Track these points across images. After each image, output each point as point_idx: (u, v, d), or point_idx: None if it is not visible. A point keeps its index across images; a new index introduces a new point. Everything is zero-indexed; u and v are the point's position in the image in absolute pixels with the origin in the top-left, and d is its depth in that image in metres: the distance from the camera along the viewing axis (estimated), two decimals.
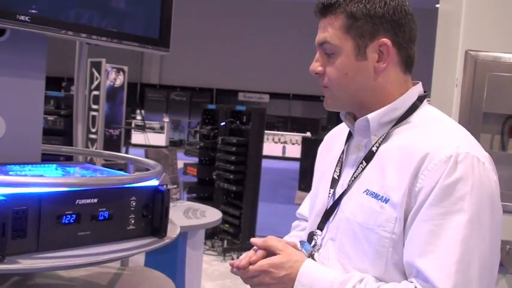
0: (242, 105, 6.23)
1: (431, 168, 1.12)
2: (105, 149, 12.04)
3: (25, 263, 1.08)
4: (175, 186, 3.11)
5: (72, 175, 1.38)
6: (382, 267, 1.16)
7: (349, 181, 1.26)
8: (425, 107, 1.27)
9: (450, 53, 2.91)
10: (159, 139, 17.71)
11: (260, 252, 1.23)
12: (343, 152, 1.34)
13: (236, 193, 5.79)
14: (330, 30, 1.23)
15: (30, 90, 1.56)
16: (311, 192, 1.49)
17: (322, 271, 1.20)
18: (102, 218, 1.25)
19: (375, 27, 1.22)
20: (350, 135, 1.35)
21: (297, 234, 1.51)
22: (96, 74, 12.10)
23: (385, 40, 1.22)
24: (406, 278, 1.15)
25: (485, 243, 1.11)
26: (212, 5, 19.53)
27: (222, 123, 5.86)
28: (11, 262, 1.07)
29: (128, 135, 13.76)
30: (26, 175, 1.29)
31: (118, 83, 12.66)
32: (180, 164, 6.59)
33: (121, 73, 12.70)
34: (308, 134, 14.72)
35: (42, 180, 1.12)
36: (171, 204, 3.10)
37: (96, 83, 12.13)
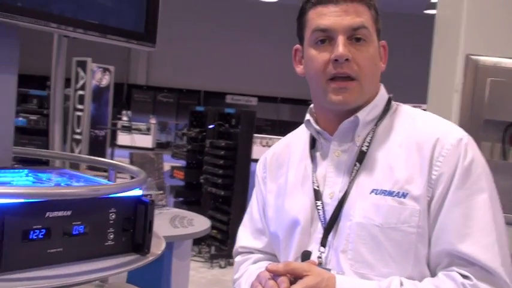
0: (231, 108, 6.08)
1: (446, 153, 1.12)
2: (90, 150, 11.87)
3: None
4: (161, 192, 2.95)
5: (45, 183, 1.22)
6: (410, 266, 1.11)
7: (346, 187, 1.18)
8: (395, 103, 1.28)
9: (449, 58, 2.80)
10: (145, 140, 17.49)
11: (285, 278, 1.08)
12: (312, 162, 1.27)
13: (224, 198, 5.64)
14: (364, 17, 1.16)
15: (0, 86, 1.40)
16: (263, 215, 1.37)
17: (358, 283, 1.10)
18: (77, 232, 1.09)
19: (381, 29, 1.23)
20: (313, 145, 1.29)
21: (259, 267, 1.32)
22: (81, 73, 11.92)
23: (385, 42, 1.25)
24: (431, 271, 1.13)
25: (501, 215, 1.14)
26: (202, 6, 19.38)
27: (211, 126, 5.72)
28: None
29: (114, 136, 13.55)
30: None
31: (104, 83, 12.47)
32: (167, 167, 6.44)
33: (107, 73, 12.51)
34: None
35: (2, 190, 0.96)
36: (157, 211, 2.97)
37: (81, 82, 11.95)
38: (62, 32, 1.49)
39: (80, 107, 11.80)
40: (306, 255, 1.19)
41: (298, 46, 1.28)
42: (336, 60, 1.14)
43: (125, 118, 15.74)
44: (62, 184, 1.22)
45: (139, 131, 17.52)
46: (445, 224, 1.10)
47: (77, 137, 11.77)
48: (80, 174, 1.40)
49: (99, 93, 12.27)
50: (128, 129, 14.58)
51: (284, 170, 1.33)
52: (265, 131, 18.77)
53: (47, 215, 1.04)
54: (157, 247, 1.27)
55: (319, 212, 1.20)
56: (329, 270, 1.14)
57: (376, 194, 1.14)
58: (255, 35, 19.32)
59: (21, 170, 1.34)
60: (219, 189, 5.55)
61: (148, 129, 18.25)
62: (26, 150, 1.59)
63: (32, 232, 1.02)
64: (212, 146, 5.62)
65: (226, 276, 5.25)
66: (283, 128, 19.82)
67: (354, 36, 1.15)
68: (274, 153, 1.40)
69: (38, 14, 1.31)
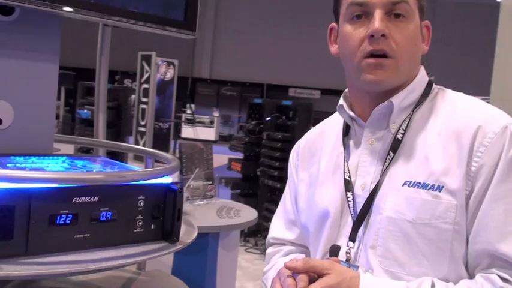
0: (291, 100, 6.03)
1: (488, 142, 1.02)
2: (154, 142, 12.15)
3: (7, 269, 0.94)
4: (210, 182, 2.95)
5: (77, 169, 1.23)
6: (445, 266, 1.02)
7: (378, 178, 1.10)
8: (436, 87, 1.18)
9: None
10: (208, 133, 17.75)
11: (304, 277, 1.01)
12: (344, 150, 1.19)
13: (280, 190, 5.60)
14: None
15: (42, 74, 1.43)
16: (295, 206, 1.32)
17: (384, 283, 1.02)
18: (104, 219, 1.09)
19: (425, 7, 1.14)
20: (346, 132, 1.21)
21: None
22: (146, 67, 12.20)
23: (429, 23, 1.16)
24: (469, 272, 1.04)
25: None
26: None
27: (268, 118, 5.69)
28: None
29: (178, 129, 13.81)
30: (24, 168, 1.16)
31: (168, 76, 12.73)
32: (225, 159, 6.49)
33: (171, 67, 12.77)
34: None
35: (19, 174, 0.97)
36: (204, 202, 2.98)
37: (146, 76, 12.23)
38: (100, 21, 1.50)
39: (144, 100, 12.09)
40: (334, 250, 1.13)
41: (333, 24, 1.21)
42: (372, 36, 1.06)
43: (188, 111, 16.01)
44: (94, 171, 1.23)
45: (202, 124, 17.80)
46: (485, 221, 1.00)
47: (142, 129, 12.08)
48: (117, 162, 1.41)
49: (163, 86, 12.54)
50: (191, 122, 14.82)
51: (316, 159, 1.27)
52: None
53: (73, 200, 1.04)
54: (188, 236, 1.25)
55: (349, 204, 1.13)
56: (357, 267, 1.08)
57: (409, 186, 1.06)
58: (318, 27, 19.14)
59: (59, 157, 1.36)
60: (275, 182, 5.52)
61: (212, 122, 18.51)
62: (66, 138, 1.62)
63: (58, 217, 1.03)
64: (269, 138, 5.60)
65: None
66: None
67: (393, 11, 1.07)
68: (308, 140, 1.34)
69: (79, 3, 1.33)
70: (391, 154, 1.10)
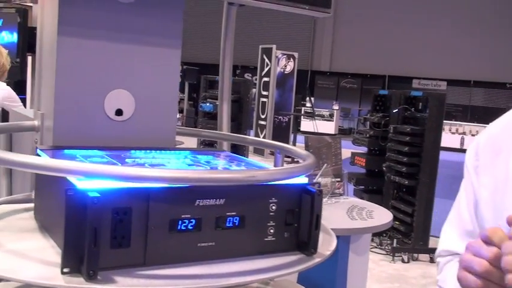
0: (417, 91, 5.63)
1: None
2: (273, 135, 12.13)
3: (123, 283, 0.80)
4: (339, 179, 2.74)
5: (200, 166, 1.08)
6: None
7: None
8: None
9: None
10: (328, 127, 17.50)
11: None
12: None
13: (408, 188, 5.25)
14: None
15: (164, 60, 1.30)
16: (474, 214, 1.08)
17: None
18: (231, 224, 0.93)
19: None
20: None
21: None
22: (266, 60, 12.20)
23: None
24: None
25: None
26: None
27: (395, 111, 5.35)
28: (105, 280, 0.80)
29: (297, 123, 13.70)
30: (143, 164, 1.03)
31: (288, 69, 12.64)
32: (347, 154, 6.23)
33: (291, 60, 12.66)
34: None
35: (137, 172, 0.82)
36: (333, 201, 2.77)
37: (266, 69, 12.22)
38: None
39: (264, 93, 12.11)
40: None
41: None
42: None
43: (308, 104, 15.85)
44: (219, 168, 1.07)
45: (322, 117, 17.57)
46: None
47: (262, 122, 12.11)
48: (243, 158, 1.25)
49: (283, 79, 12.49)
50: (310, 115, 14.63)
51: (503, 158, 1.03)
52: (454, 117, 17.55)
53: (196, 203, 0.89)
54: (326, 246, 1.06)
55: None
56: None
57: None
58: (443, 14, 18.08)
59: (181, 152, 1.23)
60: (403, 178, 5.18)
61: (331, 116, 18.22)
62: (188, 131, 1.50)
63: (180, 222, 0.88)
64: (396, 132, 5.26)
65: (409, 272, 4.89)
66: (475, 114, 18.38)
67: None
68: (490, 136, 1.10)
69: None
70: None
